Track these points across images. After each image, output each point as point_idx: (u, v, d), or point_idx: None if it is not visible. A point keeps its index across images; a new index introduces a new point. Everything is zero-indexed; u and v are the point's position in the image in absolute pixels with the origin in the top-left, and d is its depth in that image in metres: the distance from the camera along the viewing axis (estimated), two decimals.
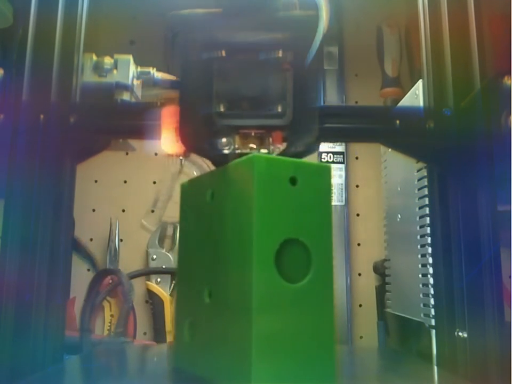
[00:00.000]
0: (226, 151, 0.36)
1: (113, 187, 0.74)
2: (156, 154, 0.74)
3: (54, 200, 0.42)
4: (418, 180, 0.49)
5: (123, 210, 0.73)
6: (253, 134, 0.37)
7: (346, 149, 0.73)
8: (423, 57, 0.47)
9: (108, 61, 0.50)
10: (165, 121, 0.39)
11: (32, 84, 0.41)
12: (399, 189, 0.56)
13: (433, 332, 0.45)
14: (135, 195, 0.74)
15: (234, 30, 0.37)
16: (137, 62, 0.52)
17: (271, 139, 0.37)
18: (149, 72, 0.52)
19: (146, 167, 0.74)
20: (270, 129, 0.37)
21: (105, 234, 0.72)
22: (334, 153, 0.72)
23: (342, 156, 0.73)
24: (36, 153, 0.40)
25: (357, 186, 0.74)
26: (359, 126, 0.44)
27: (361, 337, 0.70)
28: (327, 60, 0.74)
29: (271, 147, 0.37)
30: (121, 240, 0.72)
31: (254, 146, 0.37)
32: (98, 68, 0.50)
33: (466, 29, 0.43)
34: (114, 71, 0.50)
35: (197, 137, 0.37)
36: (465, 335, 0.40)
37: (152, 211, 0.73)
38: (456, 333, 0.41)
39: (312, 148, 0.37)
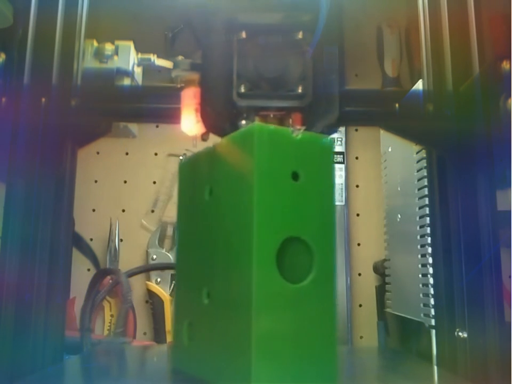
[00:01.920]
0: None
1: (113, 187, 0.74)
2: (155, 154, 0.74)
3: (55, 194, 0.42)
4: (418, 180, 0.49)
5: (123, 210, 0.73)
6: (272, 115, 0.37)
7: (346, 149, 0.73)
8: (423, 57, 0.47)
9: (108, 47, 0.50)
10: (185, 103, 0.39)
11: (33, 68, 0.41)
12: (399, 189, 0.56)
13: (433, 331, 0.44)
14: (135, 195, 0.74)
15: (255, 11, 0.37)
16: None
17: (291, 120, 0.37)
18: (149, 59, 0.52)
19: (146, 167, 0.74)
20: (289, 110, 0.37)
21: (105, 234, 0.72)
22: (334, 153, 0.72)
23: (342, 156, 0.73)
24: (38, 137, 0.41)
25: (357, 186, 0.74)
26: (358, 109, 0.44)
27: (361, 337, 0.70)
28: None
29: (291, 128, 0.37)
30: (121, 240, 0.72)
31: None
32: (99, 54, 0.50)
33: (466, 28, 0.43)
34: (115, 57, 0.50)
35: (218, 118, 0.37)
36: (465, 335, 0.40)
37: (152, 211, 0.73)
38: (456, 333, 0.41)
39: (331, 130, 0.37)
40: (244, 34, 0.37)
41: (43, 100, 0.41)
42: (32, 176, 0.40)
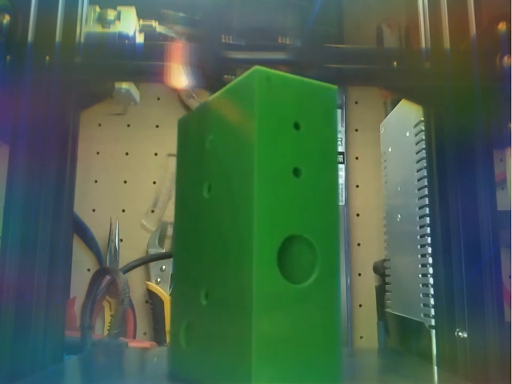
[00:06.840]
0: None
1: (113, 187, 0.74)
2: (155, 154, 0.74)
3: (55, 193, 0.41)
4: (418, 180, 0.49)
5: (123, 210, 0.73)
6: None
7: (346, 149, 0.73)
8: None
9: (111, 12, 0.51)
10: (174, 56, 0.39)
11: (38, 26, 0.42)
12: (399, 189, 0.56)
13: (433, 331, 0.44)
14: (135, 195, 0.74)
15: None
16: None
17: None
18: (151, 25, 0.53)
19: (146, 167, 0.74)
20: (277, 63, 0.36)
21: (105, 234, 0.72)
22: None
23: (342, 156, 0.73)
24: (41, 95, 0.41)
25: (357, 186, 0.74)
26: (356, 67, 0.43)
27: (361, 337, 0.70)
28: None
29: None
30: (121, 240, 0.72)
31: None
32: (101, 20, 0.50)
33: (466, 28, 0.43)
34: (117, 23, 0.51)
35: (207, 70, 0.37)
36: (465, 335, 0.40)
37: (152, 211, 0.73)
38: (456, 333, 0.41)
39: None
40: None
41: (47, 58, 0.42)
42: (35, 138, 0.40)
